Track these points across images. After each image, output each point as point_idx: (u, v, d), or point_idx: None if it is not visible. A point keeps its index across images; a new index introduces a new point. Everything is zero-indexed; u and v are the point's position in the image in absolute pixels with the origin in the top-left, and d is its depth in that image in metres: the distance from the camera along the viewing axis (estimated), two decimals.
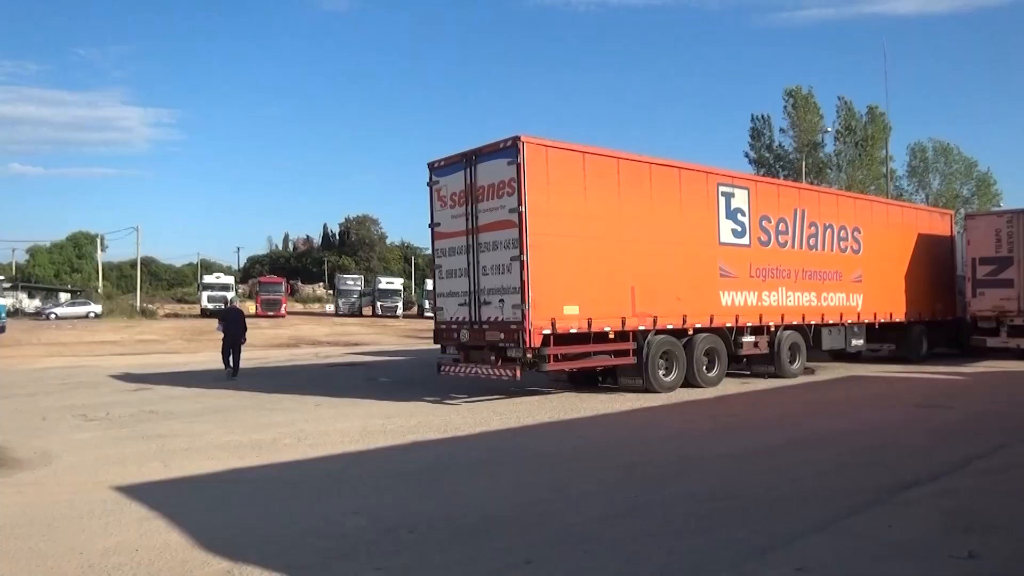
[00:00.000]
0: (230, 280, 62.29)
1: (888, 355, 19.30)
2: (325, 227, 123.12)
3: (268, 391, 14.22)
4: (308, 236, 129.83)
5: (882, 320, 17.98)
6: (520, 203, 11.63)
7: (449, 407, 12.02)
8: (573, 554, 4.94)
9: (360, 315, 61.32)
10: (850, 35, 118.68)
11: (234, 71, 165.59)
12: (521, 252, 11.62)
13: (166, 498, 6.42)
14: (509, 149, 11.85)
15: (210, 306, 52.46)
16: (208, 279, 61.56)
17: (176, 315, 57.77)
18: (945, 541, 5.05)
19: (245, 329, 17.30)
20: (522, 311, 11.62)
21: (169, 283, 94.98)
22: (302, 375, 18.26)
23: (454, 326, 13.10)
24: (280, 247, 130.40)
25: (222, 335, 17.12)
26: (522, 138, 11.71)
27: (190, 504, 6.30)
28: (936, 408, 11.66)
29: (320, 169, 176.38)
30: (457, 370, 13.09)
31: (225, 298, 51.93)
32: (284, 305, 57.86)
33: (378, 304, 61.37)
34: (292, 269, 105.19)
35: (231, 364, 16.95)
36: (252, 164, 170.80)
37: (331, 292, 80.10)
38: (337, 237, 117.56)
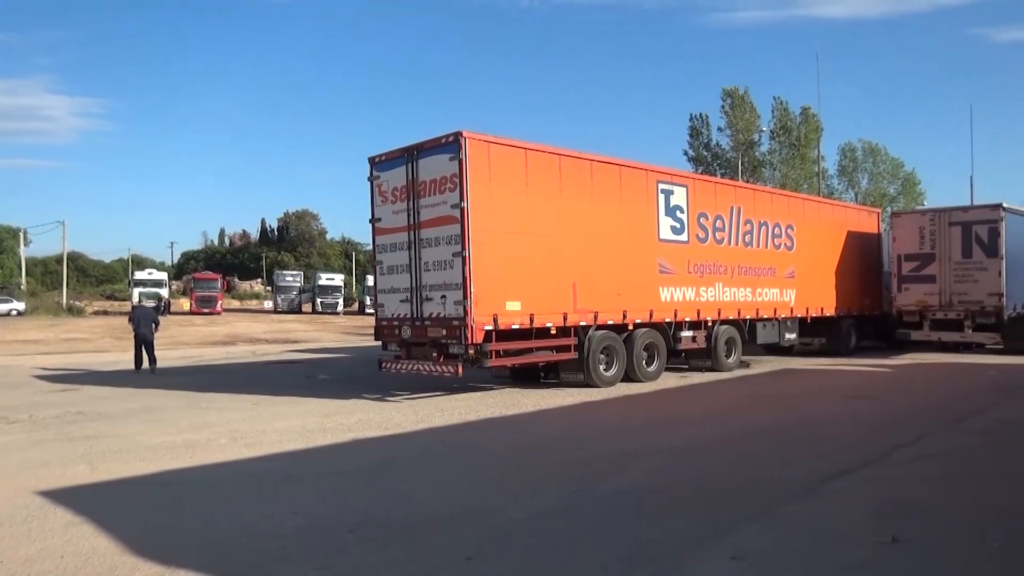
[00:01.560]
0: (163, 276, 60.48)
1: (819, 348, 19.97)
2: (263, 222, 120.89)
3: (203, 390, 13.85)
4: (245, 231, 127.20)
5: (814, 315, 18.55)
6: (462, 199, 11.59)
7: (390, 404, 11.92)
8: (515, 549, 4.97)
9: (299, 312, 60.43)
10: (785, 37, 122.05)
11: (167, 61, 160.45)
12: (463, 248, 11.59)
13: (94, 502, 6.19)
14: (451, 144, 11.79)
15: (145, 303, 51.00)
16: (140, 275, 59.58)
17: (105, 312, 55.70)
18: (871, 527, 5.26)
19: (156, 326, 17.94)
20: (464, 307, 11.60)
21: (98, 279, 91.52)
22: (239, 373, 17.85)
23: (395, 323, 12.99)
24: (216, 242, 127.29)
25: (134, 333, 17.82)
26: (464, 134, 11.67)
27: (120, 508, 6.10)
28: (863, 400, 12.13)
29: (258, 162, 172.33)
30: (398, 367, 12.99)
31: (156, 295, 50.77)
32: (220, 302, 56.55)
33: (318, 300, 60.54)
34: (228, 265, 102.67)
35: (145, 361, 17.49)
36: (186, 157, 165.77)
37: (269, 288, 78.57)
38: (275, 232, 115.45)
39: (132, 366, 17.76)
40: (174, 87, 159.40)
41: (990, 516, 5.60)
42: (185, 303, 58.69)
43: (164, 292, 54.36)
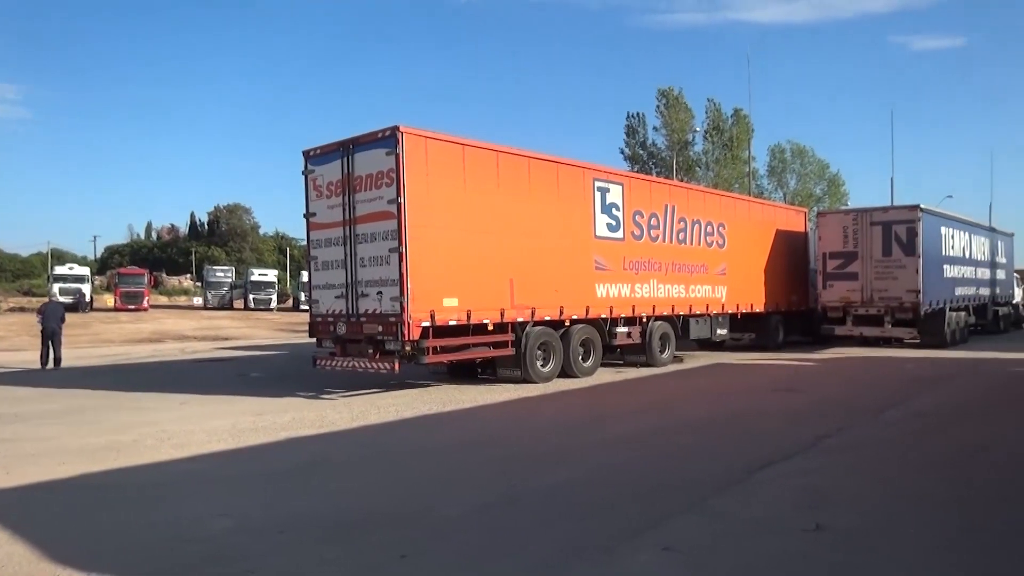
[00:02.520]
0: (85, 271, 57.81)
1: (749, 343, 20.56)
2: (192, 216, 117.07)
3: (128, 389, 13.37)
4: (173, 225, 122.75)
5: (744, 311, 19.09)
6: (399, 194, 11.49)
7: (325, 402, 11.74)
8: (450, 546, 4.96)
9: (231, 308, 58.84)
10: (719, 40, 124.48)
11: (87, 46, 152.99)
12: (400, 244, 11.50)
13: (9, 508, 5.92)
14: (388, 139, 11.67)
15: (62, 299, 48.82)
16: (60, 270, 56.89)
17: (22, 309, 53.11)
18: (796, 516, 5.45)
19: (62, 322, 17.76)
20: (401, 303, 11.51)
21: (14, 274, 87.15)
22: (166, 372, 17.29)
23: (330, 319, 12.80)
24: (142, 236, 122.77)
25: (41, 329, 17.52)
26: (401, 128, 11.57)
27: (38, 513, 5.84)
28: (789, 392, 12.54)
29: (187, 154, 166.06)
30: (334, 364, 12.81)
31: (77, 291, 49.00)
32: (147, 298, 54.54)
33: (250, 297, 59.08)
34: (156, 260, 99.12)
35: (50, 358, 17.19)
36: (110, 147, 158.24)
37: (199, 284, 76.26)
38: (206, 226, 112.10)
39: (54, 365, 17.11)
40: (94, 75, 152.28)
41: (906, 503, 5.87)
42: (109, 299, 56.44)
43: (86, 288, 52.11)
